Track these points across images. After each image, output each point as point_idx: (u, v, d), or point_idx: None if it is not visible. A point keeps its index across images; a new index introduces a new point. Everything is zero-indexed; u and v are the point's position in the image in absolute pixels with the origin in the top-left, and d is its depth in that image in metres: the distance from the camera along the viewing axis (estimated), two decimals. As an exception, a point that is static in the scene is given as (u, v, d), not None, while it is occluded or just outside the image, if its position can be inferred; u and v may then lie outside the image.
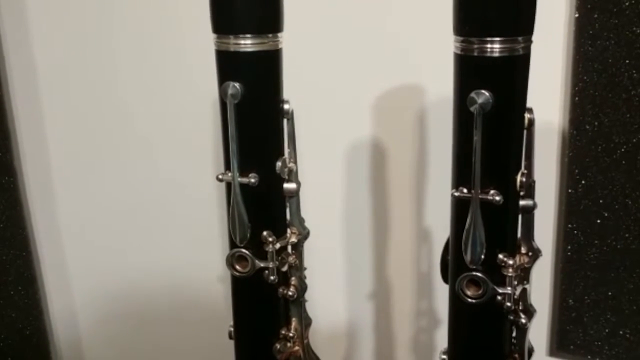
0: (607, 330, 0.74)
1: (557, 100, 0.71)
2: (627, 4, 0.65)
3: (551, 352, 0.78)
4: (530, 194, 0.51)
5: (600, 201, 0.71)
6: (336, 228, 0.86)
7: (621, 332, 0.74)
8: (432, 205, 0.81)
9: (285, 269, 0.58)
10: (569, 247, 0.73)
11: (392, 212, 0.83)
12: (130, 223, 0.95)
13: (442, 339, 0.83)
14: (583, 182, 0.71)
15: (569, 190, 0.72)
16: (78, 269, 0.99)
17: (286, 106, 0.55)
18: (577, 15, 0.67)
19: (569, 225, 0.73)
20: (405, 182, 0.81)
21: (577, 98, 0.69)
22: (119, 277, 0.97)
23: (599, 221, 0.71)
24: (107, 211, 0.95)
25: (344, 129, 0.81)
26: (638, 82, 0.66)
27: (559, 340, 0.77)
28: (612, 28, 0.66)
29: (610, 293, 0.73)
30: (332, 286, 0.88)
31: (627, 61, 0.66)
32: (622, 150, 0.69)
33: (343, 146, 0.82)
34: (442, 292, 0.82)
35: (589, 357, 0.76)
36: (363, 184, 0.83)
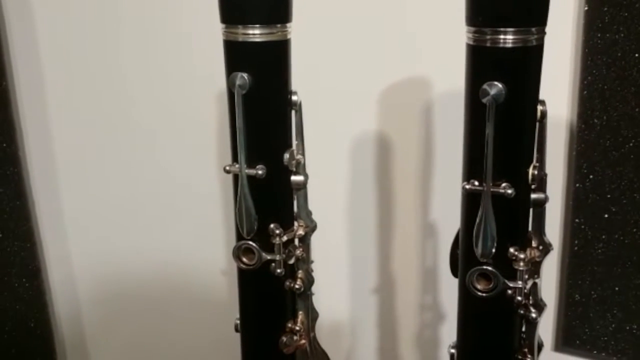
0: (613, 326, 0.74)
1: (565, 94, 0.70)
2: (637, -4, 0.64)
3: (557, 348, 0.78)
4: (541, 187, 0.51)
5: (608, 196, 0.70)
6: (341, 221, 0.85)
7: (627, 328, 0.74)
8: (438, 200, 0.80)
9: (292, 261, 0.58)
10: (576, 242, 0.73)
11: (397, 206, 0.83)
12: (134, 215, 0.95)
13: (446, 333, 0.84)
14: (591, 176, 0.71)
15: (577, 185, 0.71)
16: (82, 261, 0.99)
17: (294, 97, 0.55)
18: (586, 8, 0.66)
19: (576, 220, 0.72)
20: (411, 176, 0.80)
21: (585, 92, 0.68)
22: (123, 269, 0.97)
23: (606, 216, 0.71)
24: (111, 203, 0.95)
25: (350, 122, 0.80)
26: (648, 75, 0.66)
27: (565, 335, 0.77)
28: (622, 21, 0.65)
29: (617, 288, 0.73)
30: (336, 280, 0.87)
31: (636, 55, 0.66)
32: (631, 144, 0.68)
33: (349, 139, 0.81)
34: (447, 286, 0.82)
35: (595, 352, 0.76)
36: (368, 178, 0.82)
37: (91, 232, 0.97)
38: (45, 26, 0.89)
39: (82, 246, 0.98)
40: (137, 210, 0.94)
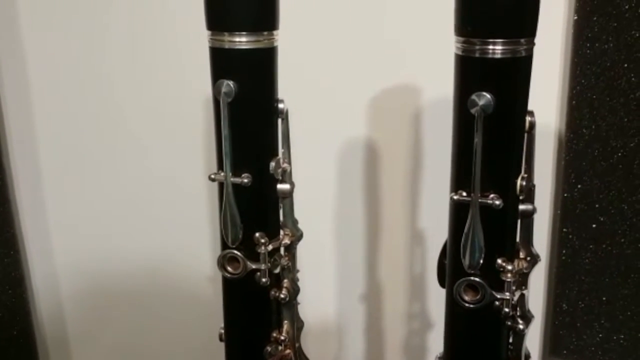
0: (600, 336, 0.74)
1: (554, 104, 0.71)
2: (626, 7, 0.64)
3: (544, 357, 0.78)
4: (530, 198, 0.51)
5: (596, 205, 0.70)
6: (329, 229, 0.85)
7: (615, 338, 0.74)
8: (426, 208, 0.80)
9: (277, 271, 0.57)
10: (564, 252, 0.73)
11: (386, 214, 0.82)
12: (120, 223, 0.94)
13: (434, 341, 0.83)
14: (579, 186, 0.70)
15: (565, 194, 0.71)
16: (66, 269, 0.98)
17: (281, 105, 0.55)
18: (575, 17, 0.66)
19: (564, 230, 0.72)
20: (400, 184, 0.80)
21: (574, 101, 0.68)
22: (108, 277, 0.96)
23: (594, 226, 0.71)
24: (96, 209, 0.94)
25: (338, 130, 0.80)
26: (636, 85, 0.66)
27: (553, 344, 0.77)
28: (611, 31, 0.65)
29: (604, 298, 0.73)
30: (323, 287, 0.87)
31: (625, 65, 0.66)
32: (619, 154, 0.68)
33: (337, 147, 0.81)
34: (434, 294, 0.82)
35: (582, 362, 0.76)
36: (357, 185, 0.82)
37: (76, 239, 0.96)
38: (31, 31, 0.88)
39: (66, 254, 0.97)
40: (122, 216, 0.93)
